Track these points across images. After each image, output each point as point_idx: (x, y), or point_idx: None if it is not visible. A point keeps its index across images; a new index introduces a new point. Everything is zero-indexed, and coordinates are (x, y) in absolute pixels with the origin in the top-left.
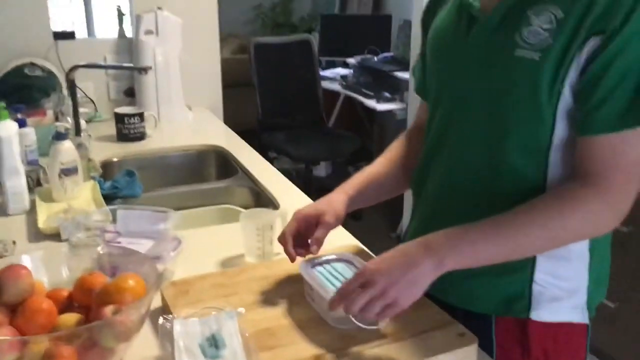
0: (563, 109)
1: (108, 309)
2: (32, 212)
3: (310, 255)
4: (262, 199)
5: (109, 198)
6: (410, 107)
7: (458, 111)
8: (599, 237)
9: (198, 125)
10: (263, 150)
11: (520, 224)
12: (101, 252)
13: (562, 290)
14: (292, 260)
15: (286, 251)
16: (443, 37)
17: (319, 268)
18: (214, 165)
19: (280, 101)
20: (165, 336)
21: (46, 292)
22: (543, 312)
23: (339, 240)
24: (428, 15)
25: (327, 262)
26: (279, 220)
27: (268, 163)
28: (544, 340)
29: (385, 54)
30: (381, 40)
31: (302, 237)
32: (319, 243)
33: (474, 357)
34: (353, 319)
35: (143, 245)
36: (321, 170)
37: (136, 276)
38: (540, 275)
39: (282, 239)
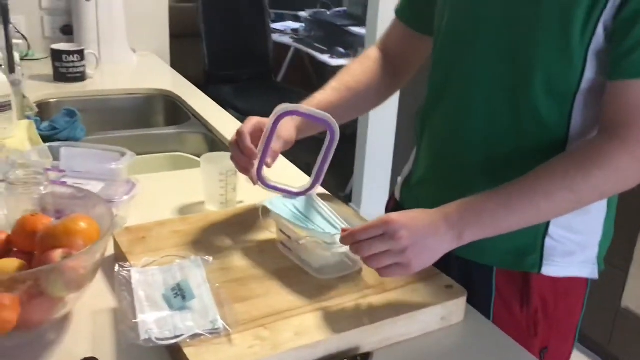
0: (594, 50)
1: (56, 253)
2: None
3: (274, 196)
4: (217, 146)
5: (46, 141)
6: None
7: (471, 47)
8: None
9: (144, 69)
10: None
11: (543, 188)
12: (44, 191)
13: (576, 244)
14: (251, 155)
15: (243, 147)
16: None
17: (284, 209)
18: (162, 111)
19: (228, 53)
20: (122, 286)
21: None
22: (554, 267)
23: None
24: None
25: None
26: None
27: (222, 109)
28: (545, 291)
29: (338, 9)
30: None
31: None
32: (276, 155)
33: (462, 311)
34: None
35: (91, 188)
36: None
37: (88, 218)
38: (555, 228)
39: (237, 137)
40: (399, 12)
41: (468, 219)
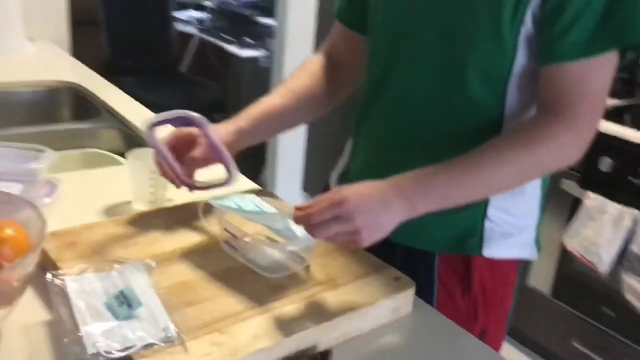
0: (525, 36)
1: None
2: None
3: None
4: (134, 142)
5: None
6: (275, 55)
7: (408, 40)
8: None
9: (43, 59)
10: None
11: (490, 162)
12: None
13: (513, 226)
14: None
15: (163, 169)
16: None
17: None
18: (68, 105)
19: (129, 42)
20: (58, 297)
21: None
22: (494, 249)
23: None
24: None
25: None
26: None
27: (138, 103)
28: (484, 277)
29: None
30: None
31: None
32: (197, 162)
33: (410, 302)
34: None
35: (9, 190)
36: None
37: (14, 223)
38: (493, 211)
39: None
40: (338, 13)
41: (421, 192)
